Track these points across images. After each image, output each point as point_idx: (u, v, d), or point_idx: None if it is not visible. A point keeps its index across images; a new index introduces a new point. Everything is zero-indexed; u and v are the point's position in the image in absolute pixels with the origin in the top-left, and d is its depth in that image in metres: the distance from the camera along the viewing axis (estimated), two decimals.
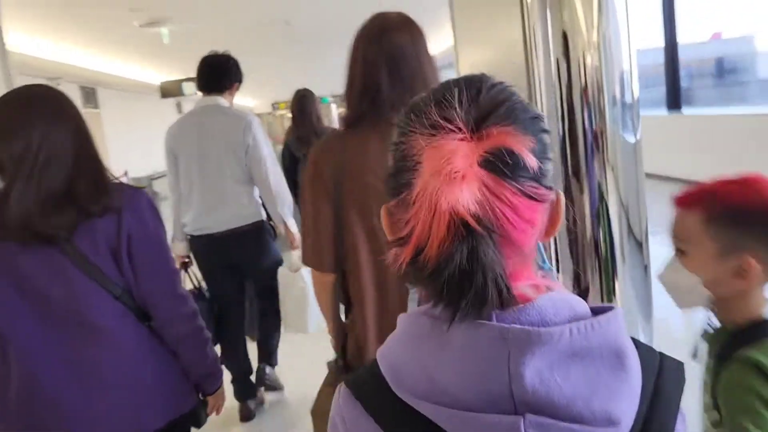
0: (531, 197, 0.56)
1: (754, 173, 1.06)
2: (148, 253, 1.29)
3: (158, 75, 13.47)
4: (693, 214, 1.09)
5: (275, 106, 29.53)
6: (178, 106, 18.84)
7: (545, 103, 1.28)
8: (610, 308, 0.59)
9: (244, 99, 29.04)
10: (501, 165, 0.54)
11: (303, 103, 4.07)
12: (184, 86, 14.09)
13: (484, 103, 0.57)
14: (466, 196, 0.52)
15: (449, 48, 1.97)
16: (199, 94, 2.83)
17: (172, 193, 2.73)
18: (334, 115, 40.49)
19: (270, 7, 7.81)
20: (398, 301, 1.30)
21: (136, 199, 1.31)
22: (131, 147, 13.43)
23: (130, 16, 6.99)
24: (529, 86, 1.29)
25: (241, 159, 2.59)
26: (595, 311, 0.59)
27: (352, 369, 1.38)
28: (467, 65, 2.18)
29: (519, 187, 0.56)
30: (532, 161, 0.56)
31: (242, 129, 2.59)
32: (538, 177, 0.57)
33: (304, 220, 1.43)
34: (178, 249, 2.69)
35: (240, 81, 2.84)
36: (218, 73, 2.72)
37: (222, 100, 2.71)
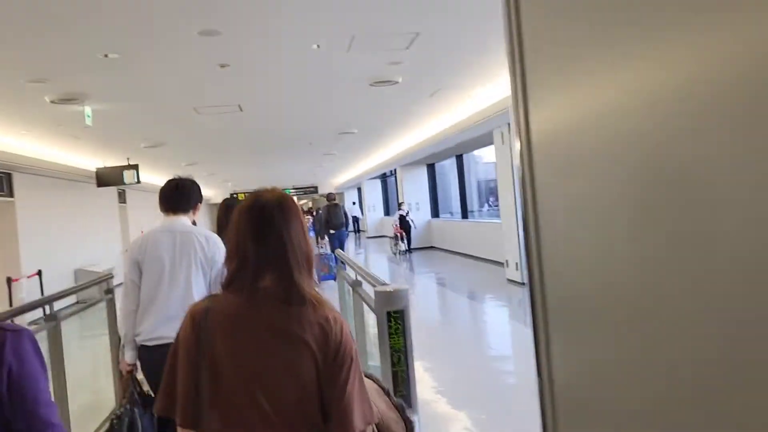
0: None
1: None
2: (28, 388, 1.35)
3: (93, 160, 12.03)
4: None
5: (234, 195, 28.71)
6: (121, 195, 17.23)
7: None
8: None
9: (205, 190, 27.58)
10: None
11: (229, 213, 3.62)
12: (126, 174, 12.69)
13: None
14: None
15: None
16: (158, 198, 2.97)
17: (128, 303, 2.81)
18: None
19: (221, 91, 6.61)
20: None
21: (18, 338, 1.37)
22: (56, 240, 11.72)
23: (35, 90, 5.67)
24: None
25: (206, 273, 2.80)
26: None
27: None
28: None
29: None
30: None
31: (209, 246, 2.82)
32: None
33: (166, 368, 1.49)
34: (128, 357, 2.81)
35: (201, 201, 3.05)
36: (183, 197, 2.92)
37: (186, 220, 2.91)
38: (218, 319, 1.41)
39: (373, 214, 26.89)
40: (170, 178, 2.99)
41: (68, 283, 12.09)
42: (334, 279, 12.14)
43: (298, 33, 4.79)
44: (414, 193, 18.29)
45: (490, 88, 7.82)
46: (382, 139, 13.03)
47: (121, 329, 2.85)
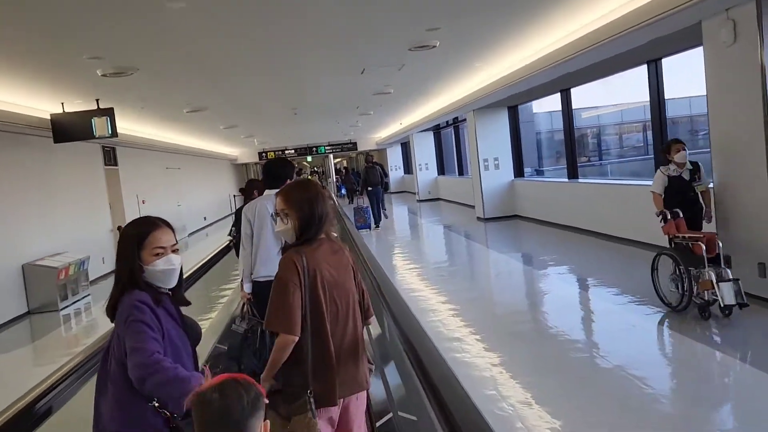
0: None
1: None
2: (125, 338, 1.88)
3: (50, 102, 8.19)
4: None
5: (263, 155, 25.22)
6: (108, 154, 13.36)
7: None
8: None
9: (228, 149, 24.09)
10: None
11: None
12: (95, 123, 8.79)
13: None
14: None
15: None
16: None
17: (245, 248, 4.11)
18: (330, 163, 35.97)
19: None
20: (348, 345, 2.37)
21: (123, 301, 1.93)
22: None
23: None
24: None
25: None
26: None
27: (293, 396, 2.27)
28: None
29: None
30: None
31: None
32: None
33: (278, 298, 2.27)
34: (245, 288, 4.12)
35: (291, 177, 4.24)
36: (279, 179, 4.06)
37: None
38: (313, 263, 2.29)
39: (425, 173, 22.75)
40: (270, 160, 4.51)
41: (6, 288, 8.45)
42: (369, 228, 14.91)
43: None
44: (490, 147, 14.00)
45: None
46: (467, 59, 8.80)
47: (240, 269, 4.16)
